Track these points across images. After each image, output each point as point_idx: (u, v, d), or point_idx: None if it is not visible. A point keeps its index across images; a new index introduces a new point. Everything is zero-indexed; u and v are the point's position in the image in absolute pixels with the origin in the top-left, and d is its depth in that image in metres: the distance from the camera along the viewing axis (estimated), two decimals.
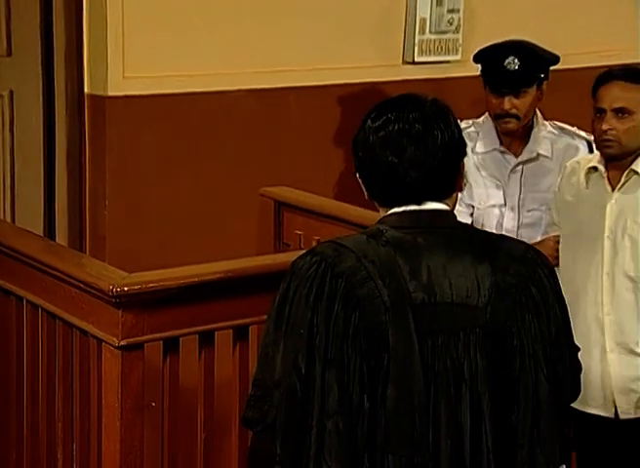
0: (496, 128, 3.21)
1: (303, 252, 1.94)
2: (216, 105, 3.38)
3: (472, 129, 3.26)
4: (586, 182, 2.91)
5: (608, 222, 2.85)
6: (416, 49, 3.71)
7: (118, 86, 3.24)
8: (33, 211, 3.41)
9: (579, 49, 3.97)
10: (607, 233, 2.85)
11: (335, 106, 3.53)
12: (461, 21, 3.77)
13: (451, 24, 3.74)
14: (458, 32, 3.79)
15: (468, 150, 3.04)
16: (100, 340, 2.24)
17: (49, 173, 3.42)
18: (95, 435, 2.31)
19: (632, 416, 2.78)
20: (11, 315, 2.55)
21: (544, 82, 3.18)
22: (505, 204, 3.26)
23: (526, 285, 1.94)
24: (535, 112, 3.22)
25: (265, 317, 2.31)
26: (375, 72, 3.64)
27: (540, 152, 3.21)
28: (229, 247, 3.26)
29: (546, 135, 3.23)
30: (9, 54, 3.39)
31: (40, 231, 3.36)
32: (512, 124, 3.17)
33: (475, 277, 1.92)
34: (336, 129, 3.43)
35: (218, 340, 2.39)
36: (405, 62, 3.72)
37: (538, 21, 3.96)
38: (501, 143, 3.21)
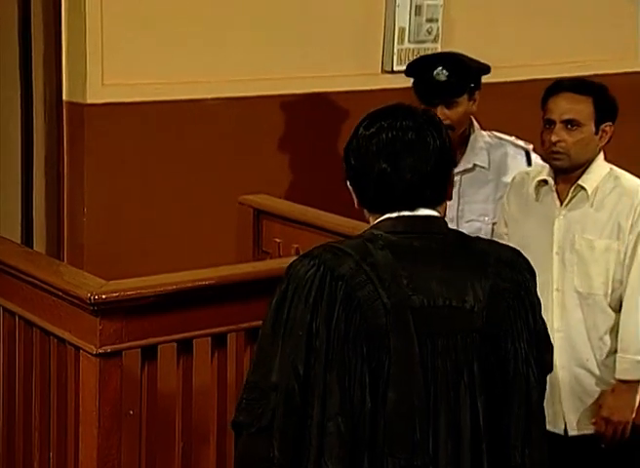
0: None
1: (298, 256, 1.94)
2: (195, 113, 3.38)
3: None
4: (536, 195, 2.91)
5: (556, 238, 2.86)
6: (395, 58, 3.73)
7: (97, 93, 3.23)
8: (11, 218, 3.39)
9: (565, 58, 3.99)
10: (555, 249, 2.85)
11: (314, 115, 3.54)
12: (440, 31, 3.80)
13: (430, 34, 3.77)
14: (436, 42, 3.81)
15: None
16: (77, 348, 2.23)
17: (27, 180, 3.40)
18: (72, 443, 2.30)
19: (581, 433, 2.78)
20: None
21: (476, 91, 3.18)
22: (444, 215, 3.26)
23: (517, 289, 1.98)
24: (471, 122, 3.22)
25: (243, 325, 2.32)
26: (354, 81, 3.66)
27: (477, 163, 3.19)
28: (208, 255, 3.26)
29: (483, 145, 3.22)
30: None
31: (18, 239, 3.34)
32: None
33: (471, 281, 1.95)
34: (315, 137, 3.44)
35: (196, 348, 2.39)
36: (384, 71, 3.73)
37: (516, 30, 3.99)
38: None
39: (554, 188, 2.88)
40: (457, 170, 3.13)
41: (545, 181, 2.90)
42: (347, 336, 1.86)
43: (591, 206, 2.85)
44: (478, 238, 2.10)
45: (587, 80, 2.96)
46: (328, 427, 1.84)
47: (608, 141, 2.91)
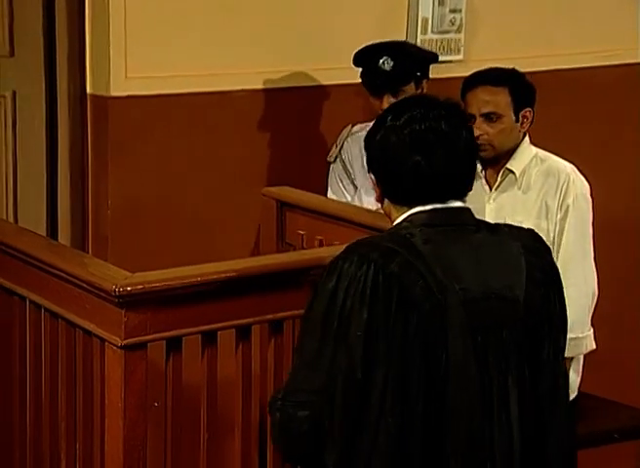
0: None
1: (340, 252, 1.91)
2: (218, 105, 3.38)
3: (364, 133, 3.21)
4: None
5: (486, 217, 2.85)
6: None
7: (121, 86, 3.24)
8: (36, 211, 3.41)
9: (579, 49, 3.97)
10: None
11: (337, 107, 3.53)
12: (464, 21, 3.77)
13: (453, 24, 3.74)
14: (460, 32, 3.79)
15: (358, 151, 3.13)
16: (102, 340, 2.24)
17: (51, 173, 3.42)
18: (98, 434, 2.31)
19: None
20: (14, 314, 2.55)
21: (424, 80, 3.20)
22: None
23: (546, 277, 1.99)
24: None
25: (268, 317, 2.31)
26: None
27: None
28: (232, 247, 3.27)
29: None
30: (11, 54, 3.39)
31: (43, 231, 3.36)
32: None
33: (510, 272, 1.95)
34: (338, 129, 3.43)
35: (220, 340, 2.40)
36: None
37: (540, 21, 3.96)
38: None
39: (482, 174, 2.95)
40: None
41: None
42: (406, 335, 1.84)
43: (519, 188, 2.93)
44: (498, 225, 2.08)
45: (503, 69, 3.00)
46: (386, 427, 1.83)
47: (530, 125, 2.97)
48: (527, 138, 3.00)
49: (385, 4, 3.65)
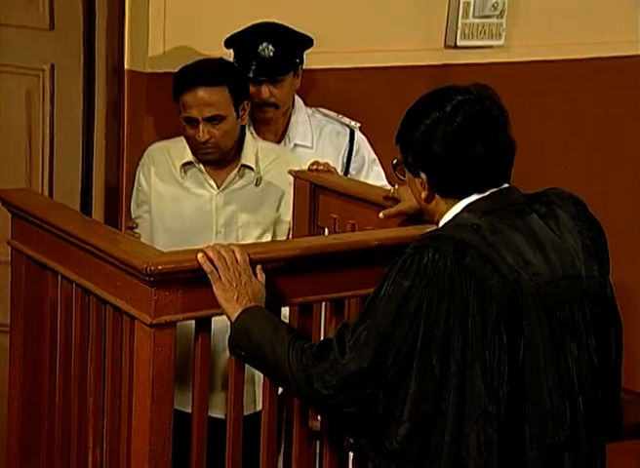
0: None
1: (414, 246, 1.89)
2: None
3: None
4: (183, 177, 2.86)
5: (216, 218, 2.83)
6: (458, 33, 3.67)
7: (158, 63, 3.24)
8: (71, 185, 3.43)
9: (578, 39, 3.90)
10: (216, 229, 2.83)
11: (374, 90, 3.51)
12: (506, 6, 3.73)
13: (495, 9, 3.70)
14: (502, 17, 3.74)
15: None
16: (132, 318, 2.24)
17: (87, 148, 3.43)
18: (125, 411, 2.32)
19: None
20: (46, 288, 2.56)
21: (300, 66, 3.07)
22: None
23: (596, 245, 1.99)
24: (293, 99, 3.10)
25: (298, 300, 2.30)
26: (416, 56, 3.61)
27: (298, 142, 3.09)
28: None
29: (306, 123, 3.11)
30: (51, 28, 3.40)
31: (77, 205, 3.37)
32: (271, 113, 3.04)
33: (570, 247, 1.95)
34: (374, 112, 3.40)
35: None
36: (447, 46, 3.68)
37: (581, 6, 3.91)
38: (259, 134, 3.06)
39: (204, 170, 2.86)
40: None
41: (191, 163, 2.86)
42: (485, 329, 1.83)
43: (257, 184, 2.88)
44: (538, 195, 2.04)
45: (216, 63, 2.87)
46: (473, 423, 1.83)
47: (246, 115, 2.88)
48: (246, 131, 2.92)
49: None
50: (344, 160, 3.14)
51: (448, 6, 3.66)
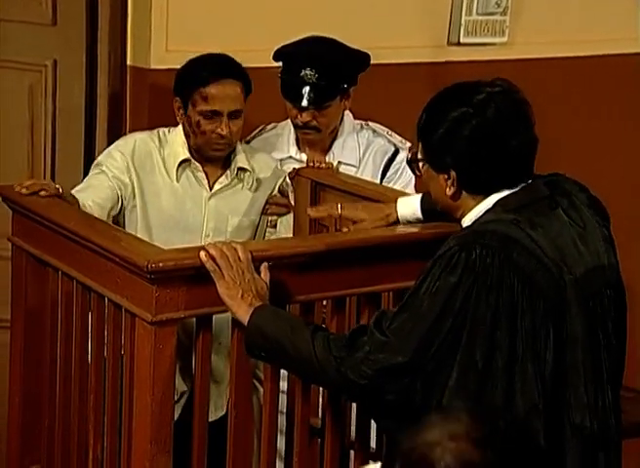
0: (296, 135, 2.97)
1: (458, 242, 1.87)
2: (260, 81, 3.36)
3: (273, 132, 3.06)
4: (177, 175, 2.78)
5: (207, 220, 2.78)
6: (462, 30, 3.66)
7: (161, 59, 3.24)
8: (73, 182, 3.41)
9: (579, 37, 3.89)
10: (206, 231, 2.78)
11: (377, 86, 3.50)
12: (509, 3, 3.72)
13: (498, 6, 3.70)
14: (505, 14, 3.74)
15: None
16: (133, 315, 2.24)
17: (89, 143, 3.43)
18: (126, 408, 2.32)
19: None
20: (47, 286, 2.56)
21: (351, 88, 2.88)
22: None
23: (610, 233, 2.01)
24: (342, 115, 2.96)
25: (300, 298, 2.29)
26: (419, 53, 3.60)
27: (343, 160, 2.98)
28: None
29: (354, 142, 2.99)
30: (54, 23, 3.40)
31: None
32: (312, 135, 2.94)
33: (593, 237, 1.96)
34: (377, 109, 3.40)
35: None
36: (450, 43, 3.67)
37: (584, 4, 3.90)
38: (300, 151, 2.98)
39: (201, 169, 2.79)
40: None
41: (188, 160, 2.79)
42: (534, 324, 1.84)
43: (250, 188, 2.82)
44: (552, 183, 2.01)
45: (230, 59, 2.78)
46: (522, 417, 1.83)
47: None
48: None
49: None
50: (379, 177, 3.02)
51: (451, 3, 3.65)
